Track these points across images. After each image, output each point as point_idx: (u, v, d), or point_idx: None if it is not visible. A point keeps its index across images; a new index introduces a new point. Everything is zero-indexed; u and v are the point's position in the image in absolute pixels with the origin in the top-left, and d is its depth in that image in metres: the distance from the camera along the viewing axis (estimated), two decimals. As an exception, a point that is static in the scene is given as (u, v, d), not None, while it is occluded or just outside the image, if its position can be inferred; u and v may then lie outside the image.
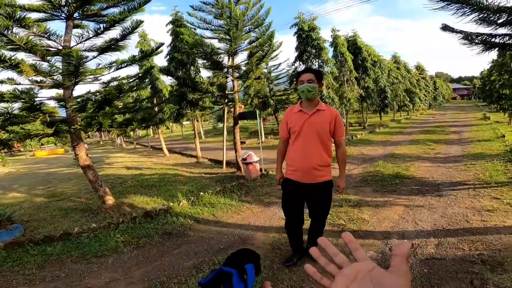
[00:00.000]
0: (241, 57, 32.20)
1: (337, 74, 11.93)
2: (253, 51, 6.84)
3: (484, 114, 18.35)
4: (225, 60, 7.03)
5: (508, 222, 3.26)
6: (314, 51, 11.00)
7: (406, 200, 4.32)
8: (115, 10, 4.75)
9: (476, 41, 3.79)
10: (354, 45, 14.22)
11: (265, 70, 14.71)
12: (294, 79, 12.39)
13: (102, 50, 4.79)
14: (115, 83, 5.23)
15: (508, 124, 13.46)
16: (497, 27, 3.69)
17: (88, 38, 4.73)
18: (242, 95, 8.48)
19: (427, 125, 15.83)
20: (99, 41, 4.83)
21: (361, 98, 14.11)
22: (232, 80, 7.16)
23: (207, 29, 6.91)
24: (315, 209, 2.70)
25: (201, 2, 6.79)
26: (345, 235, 0.46)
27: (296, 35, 11.36)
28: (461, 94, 72.85)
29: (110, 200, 5.21)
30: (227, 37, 6.47)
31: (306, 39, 10.97)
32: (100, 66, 4.92)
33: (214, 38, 6.90)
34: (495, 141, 8.85)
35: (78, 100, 5.00)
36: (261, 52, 6.78)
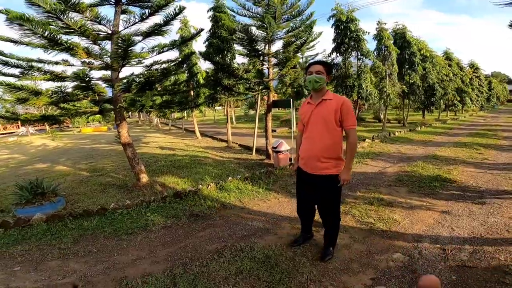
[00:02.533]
0: (278, 45, 31.78)
1: (382, 68, 11.29)
2: (291, 40, 6.70)
3: (546, 120, 16.30)
4: (262, 47, 6.98)
5: None
6: (353, 43, 10.50)
7: (444, 205, 4.04)
8: None
9: None
10: (402, 39, 13.29)
11: (301, 60, 14.37)
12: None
13: (147, 34, 5.00)
14: (157, 66, 5.46)
15: None
16: None
17: (134, 23, 4.97)
18: (275, 83, 8.39)
19: (476, 128, 14.47)
20: (143, 26, 5.05)
21: (403, 94, 13.26)
22: (268, 68, 7.10)
23: (245, 15, 6.89)
24: (321, 204, 2.73)
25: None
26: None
27: (333, 26, 10.93)
28: (520, 96, 65.27)
29: (144, 178, 5.51)
30: (264, 24, 6.39)
31: (344, 30, 10.50)
32: (144, 50, 5.17)
33: (252, 25, 6.85)
34: (556, 150, 7.87)
35: (124, 81, 5.31)
36: (299, 41, 6.62)
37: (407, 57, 13.19)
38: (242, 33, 6.30)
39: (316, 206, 2.87)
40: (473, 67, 28.03)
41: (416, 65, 13.27)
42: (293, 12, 6.67)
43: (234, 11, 7.24)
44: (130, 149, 5.37)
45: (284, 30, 6.87)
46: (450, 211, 3.79)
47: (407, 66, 13.28)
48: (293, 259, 2.79)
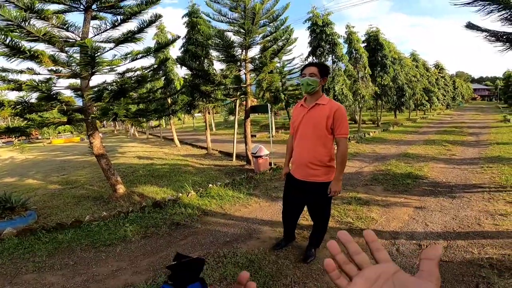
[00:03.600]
0: (255, 51, 32.04)
1: (353, 71, 11.69)
2: (267, 45, 6.79)
3: (504, 116, 17.60)
4: (239, 52, 7.02)
5: None
6: (328, 46, 10.81)
7: (417, 201, 4.23)
8: (132, 2, 4.80)
9: (502, 39, 3.65)
10: (375, 41, 13.85)
11: (278, 65, 14.59)
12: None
13: (119, 42, 4.86)
14: (131, 73, 5.32)
15: (531, 127, 12.88)
16: None
17: (106, 30, 4.82)
18: (254, 89, 8.45)
19: (443, 126, 15.36)
20: (116, 33, 4.92)
21: (376, 95, 13.80)
22: (245, 73, 7.14)
23: (222, 21, 6.89)
24: (311, 209, 2.70)
25: (217, -7, 6.76)
26: (367, 233, 0.40)
27: (309, 30, 11.17)
28: (481, 95, 70.20)
29: (121, 188, 5.33)
30: (242, 30, 6.43)
31: (320, 34, 10.77)
32: (116, 57, 5.02)
33: (229, 31, 6.88)
34: (515, 144, 8.51)
35: (95, 89, 5.12)
36: (276, 46, 6.72)
37: (379, 59, 13.76)
38: (218, 38, 6.30)
39: (300, 212, 2.87)
40: (438, 67, 29.80)
41: (388, 67, 13.88)
42: (270, 17, 6.77)
43: (210, 17, 7.23)
44: (104, 160, 5.17)
45: (261, 35, 6.95)
46: (423, 207, 3.98)
47: (379, 68, 13.85)
48: (276, 262, 2.81)
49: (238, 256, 2.95)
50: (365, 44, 13.81)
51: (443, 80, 29.24)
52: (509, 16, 3.54)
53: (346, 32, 12.41)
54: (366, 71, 12.22)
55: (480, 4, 3.57)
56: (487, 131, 12.21)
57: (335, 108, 2.36)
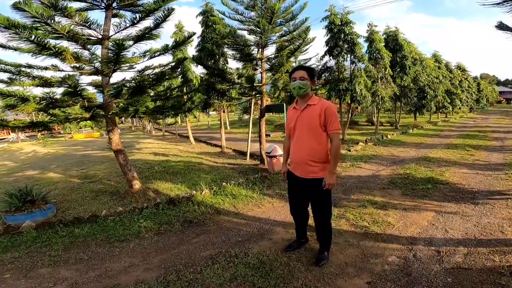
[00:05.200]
0: (271, 50, 31.95)
1: (374, 71, 11.40)
2: (284, 44, 6.72)
3: (534, 121, 16.65)
4: (255, 51, 6.99)
5: None
6: (346, 46, 10.56)
7: (437, 206, 4.06)
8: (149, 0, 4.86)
9: None
10: (394, 41, 13.47)
11: (294, 64, 14.45)
12: (322, 74, 12.06)
13: (138, 38, 4.96)
14: (149, 71, 5.41)
15: None
16: None
17: (125, 28, 4.91)
18: (269, 88, 8.40)
19: (466, 129, 14.71)
20: (134, 31, 5.00)
21: (395, 97, 13.41)
22: (261, 72, 7.11)
23: (238, 20, 6.88)
24: (312, 205, 2.78)
25: (235, -11, 6.76)
26: None
27: (326, 28, 10.96)
28: (507, 98, 66.72)
29: (137, 184, 5.44)
30: (258, 29, 6.40)
31: (338, 33, 10.54)
32: (135, 54, 5.12)
33: (245, 29, 6.86)
34: (545, 150, 8.03)
35: (114, 86, 5.25)
36: (292, 46, 6.65)
37: (398, 60, 13.37)
38: (233, 37, 6.29)
39: (307, 207, 2.92)
40: (460, 69, 28.60)
41: (408, 68, 13.45)
42: (287, 17, 6.71)
43: (226, 15, 7.24)
44: (122, 155, 5.29)
45: (278, 35, 6.90)
46: (444, 213, 3.81)
47: (399, 69, 13.45)
48: (288, 264, 2.76)
49: (250, 256, 2.92)
50: (383, 44, 13.47)
51: (467, 82, 28.04)
52: None
53: (367, 31, 12.10)
54: (386, 72, 11.89)
55: (511, 4, 3.36)
56: (514, 136, 11.59)
57: (326, 106, 2.52)
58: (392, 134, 12.23)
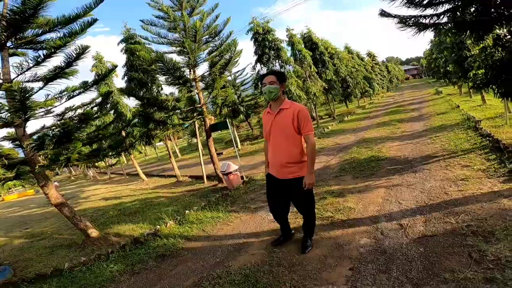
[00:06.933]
0: (203, 68, 32.03)
1: (301, 71, 12.28)
2: (214, 61, 6.81)
3: (436, 90, 19.78)
4: (187, 72, 6.94)
5: (484, 189, 3.40)
6: (272, 52, 11.24)
7: (385, 182, 4.50)
8: (54, 35, 4.39)
9: (410, 23, 3.94)
10: (310, 41, 14.74)
11: (230, 78, 14.76)
12: (259, 83, 12.54)
13: (48, 79, 4.42)
14: (71, 113, 4.92)
15: (460, 95, 14.62)
16: (424, 8, 3.96)
17: (29, 68, 4.30)
18: (211, 106, 8.42)
19: (389, 107, 16.73)
20: (42, 70, 4.44)
21: (325, 90, 14.61)
22: (197, 93, 7.08)
23: (163, 43, 6.78)
24: (296, 203, 2.93)
25: (153, 15, 6.66)
26: None
27: (253, 39, 11.54)
28: (412, 74, 77.90)
29: (94, 232, 4.95)
30: (185, 49, 6.39)
31: (263, 42, 11.19)
32: (50, 96, 4.58)
33: (172, 52, 6.79)
34: (451, 112, 9.59)
35: (34, 137, 4.66)
36: (223, 60, 6.77)
37: (318, 57, 14.66)
38: (160, 62, 6.15)
39: (287, 206, 3.04)
40: (371, 56, 32.64)
41: (327, 63, 14.84)
42: (212, 33, 6.83)
43: (149, 40, 7.06)
44: (66, 208, 4.77)
45: (206, 52, 6.96)
46: (392, 186, 4.22)
47: (321, 65, 14.74)
48: (271, 271, 2.77)
49: (232, 273, 2.88)
50: (303, 45, 14.65)
51: (378, 66, 32.07)
52: (409, 0, 3.90)
53: (287, 35, 13.03)
54: (312, 70, 12.90)
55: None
56: (426, 105, 13.59)
57: (298, 109, 2.62)
58: (332, 125, 13.25)
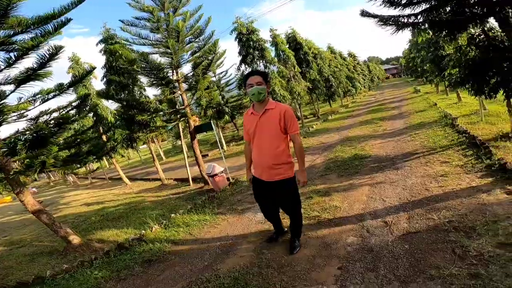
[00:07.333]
0: (186, 69, 31.61)
1: (286, 72, 12.36)
2: (197, 61, 6.72)
3: (414, 88, 20.46)
4: (170, 74, 6.81)
5: (463, 184, 3.51)
6: (257, 52, 11.24)
7: (369, 179, 4.58)
8: (26, 36, 4.10)
9: (389, 22, 4.07)
10: (294, 41, 14.87)
11: (214, 79, 14.64)
12: (243, 83, 12.51)
13: (20, 81, 4.18)
14: (46, 117, 4.70)
15: (437, 93, 15.19)
16: (403, 8, 4.07)
17: (0, 70, 4.08)
18: (195, 108, 8.32)
19: (371, 105, 17.15)
20: (14, 72, 4.17)
21: (309, 90, 14.77)
22: (181, 94, 6.96)
23: (144, 44, 6.60)
24: (283, 204, 2.94)
25: (134, 17, 6.47)
26: None
27: (237, 39, 11.49)
28: (392, 74, 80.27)
29: (75, 239, 4.78)
30: (168, 50, 6.27)
31: (247, 42, 11.17)
32: (23, 100, 4.36)
33: (154, 53, 6.64)
34: (429, 110, 9.94)
35: (6, 142, 4.42)
36: (206, 61, 6.69)
37: (302, 57, 14.82)
38: (144, 62, 6.00)
39: (277, 206, 3.05)
40: (352, 56, 33.39)
41: (311, 63, 15.03)
42: (195, 33, 6.73)
43: (129, 41, 6.85)
44: (44, 215, 4.58)
45: (189, 52, 6.86)
46: (375, 184, 4.31)
47: (305, 65, 14.90)
48: (261, 273, 2.75)
49: (221, 277, 2.84)
50: (288, 45, 14.76)
51: (359, 66, 32.84)
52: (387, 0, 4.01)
53: (270, 35, 13.08)
54: (295, 70, 13.01)
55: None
56: (405, 103, 14.02)
57: (284, 110, 2.61)
58: (316, 124, 13.42)
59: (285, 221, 3.66)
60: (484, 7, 3.69)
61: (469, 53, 4.60)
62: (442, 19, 3.95)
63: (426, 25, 4.06)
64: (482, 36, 4.36)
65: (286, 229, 3.35)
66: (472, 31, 4.39)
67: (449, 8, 3.98)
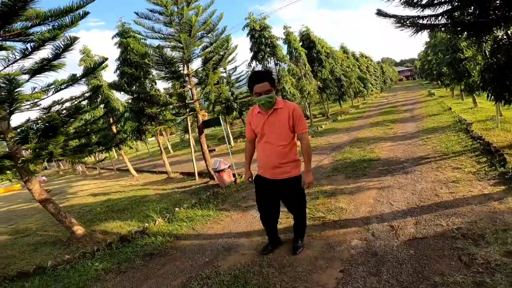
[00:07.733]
0: (196, 64, 31.74)
1: (296, 70, 12.24)
2: (208, 56, 6.72)
3: (429, 91, 19.97)
4: (181, 68, 6.83)
5: (475, 191, 3.40)
6: (268, 49, 11.16)
7: (377, 182, 4.49)
8: (43, 28, 4.18)
9: (407, 24, 3.90)
10: (307, 39, 14.71)
11: (224, 74, 14.63)
12: (248, 87, 12.42)
13: (34, 72, 4.27)
14: (58, 107, 4.79)
15: (452, 97, 14.80)
16: (422, 9, 3.91)
17: (16, 61, 4.13)
18: (204, 103, 8.35)
19: (382, 107, 16.84)
20: (29, 63, 4.29)
21: (320, 89, 14.61)
22: (191, 89, 6.97)
23: (156, 38, 6.64)
24: (288, 203, 2.88)
25: (148, 9, 6.50)
26: None
27: (249, 35, 11.43)
28: (405, 76, 78.82)
29: (79, 230, 4.86)
30: (180, 44, 6.28)
31: (259, 38, 11.10)
32: (36, 89, 4.45)
33: (166, 47, 6.66)
34: (443, 114, 9.67)
35: (18, 130, 4.52)
36: (217, 56, 6.68)
37: (315, 55, 14.65)
38: (157, 55, 6.05)
39: (277, 212, 2.98)
40: (363, 56, 32.84)
41: (324, 62, 14.84)
42: (207, 28, 6.72)
43: (142, 35, 6.91)
44: (50, 204, 4.67)
45: (201, 47, 6.86)
46: (384, 187, 4.21)
47: (317, 64, 14.73)
48: (261, 272, 2.72)
49: (222, 274, 2.83)
50: (301, 43, 14.61)
51: (372, 67, 32.31)
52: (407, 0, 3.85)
53: (284, 33, 12.96)
54: (307, 68, 12.88)
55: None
56: (419, 106, 13.71)
57: (292, 108, 2.58)
58: (325, 124, 13.27)
59: (289, 220, 3.62)
60: (510, 9, 3.51)
61: (493, 57, 4.41)
62: (464, 21, 3.78)
63: (447, 27, 3.89)
64: (505, 39, 4.17)
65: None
66: (496, 34, 4.19)
67: (471, 10, 3.80)
